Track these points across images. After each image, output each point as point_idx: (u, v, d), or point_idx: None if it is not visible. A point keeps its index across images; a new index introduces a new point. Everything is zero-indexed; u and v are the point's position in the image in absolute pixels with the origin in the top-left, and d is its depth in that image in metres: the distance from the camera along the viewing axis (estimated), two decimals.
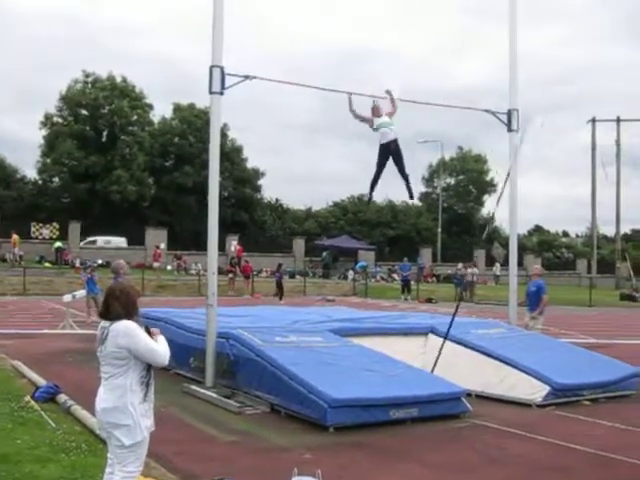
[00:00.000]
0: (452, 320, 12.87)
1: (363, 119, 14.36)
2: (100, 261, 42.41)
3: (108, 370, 5.51)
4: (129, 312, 5.55)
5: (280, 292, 37.39)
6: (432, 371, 11.92)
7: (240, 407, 10.79)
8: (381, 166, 14.16)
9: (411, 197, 15.14)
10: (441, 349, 12.38)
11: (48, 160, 58.43)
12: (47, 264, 47.79)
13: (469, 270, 43.81)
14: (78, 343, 17.24)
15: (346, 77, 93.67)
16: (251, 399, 11.12)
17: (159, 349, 5.49)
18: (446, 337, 12.66)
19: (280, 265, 40.82)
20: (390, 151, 14.11)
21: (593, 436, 9.65)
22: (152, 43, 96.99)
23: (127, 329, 5.43)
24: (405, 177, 14.45)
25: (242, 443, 9.05)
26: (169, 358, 5.63)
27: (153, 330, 5.66)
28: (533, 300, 16.45)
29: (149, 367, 5.57)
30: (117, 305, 5.50)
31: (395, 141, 14.15)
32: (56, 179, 60.36)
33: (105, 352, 5.48)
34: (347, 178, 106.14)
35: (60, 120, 59.45)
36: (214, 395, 11.50)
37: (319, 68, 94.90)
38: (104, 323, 5.57)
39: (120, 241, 52.50)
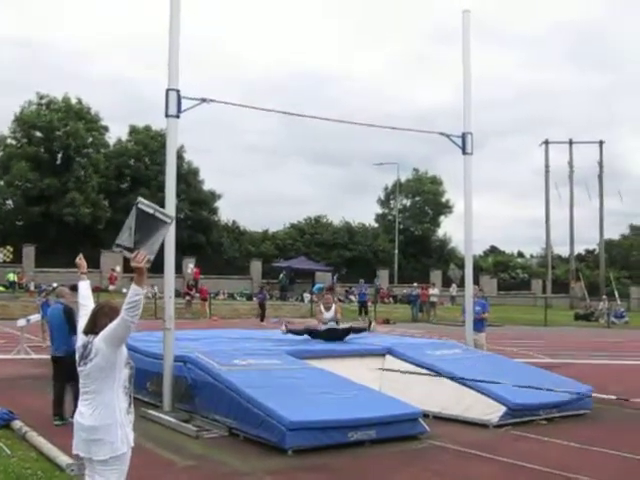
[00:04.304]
0: None
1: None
2: (55, 285, 41.79)
3: (93, 386, 5.48)
4: None
5: (262, 313, 37.89)
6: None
7: (198, 431, 10.72)
8: None
9: None
10: None
11: (1, 182, 57.59)
12: (1, 288, 47.12)
13: (430, 291, 44.01)
14: (33, 368, 17.02)
15: (304, 100, 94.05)
16: (209, 423, 11.06)
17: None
18: None
19: (262, 287, 41.22)
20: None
21: (550, 455, 9.75)
22: (108, 65, 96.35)
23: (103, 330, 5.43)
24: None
25: (200, 468, 9.00)
26: None
27: None
28: (479, 319, 16.90)
29: (130, 378, 5.59)
30: (106, 320, 5.49)
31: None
32: (9, 202, 59.61)
33: (90, 366, 5.45)
34: (304, 199, 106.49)
35: (14, 142, 58.69)
36: (172, 419, 11.41)
37: (278, 91, 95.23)
38: (85, 339, 5.56)
39: None
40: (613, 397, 12.40)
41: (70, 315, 11.84)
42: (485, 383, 12.23)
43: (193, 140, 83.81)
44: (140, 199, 5.86)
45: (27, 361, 18.99)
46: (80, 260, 6.57)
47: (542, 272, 69.31)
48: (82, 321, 5.81)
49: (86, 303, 6.08)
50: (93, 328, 5.56)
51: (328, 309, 15.58)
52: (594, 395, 12.62)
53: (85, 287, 6.28)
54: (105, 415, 5.42)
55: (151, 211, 5.79)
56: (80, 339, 5.66)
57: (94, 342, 5.45)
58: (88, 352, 5.47)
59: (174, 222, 12.56)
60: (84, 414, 5.51)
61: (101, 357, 5.40)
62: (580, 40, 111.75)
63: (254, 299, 46.92)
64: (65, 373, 11.59)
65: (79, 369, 5.58)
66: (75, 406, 11.58)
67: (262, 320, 36.82)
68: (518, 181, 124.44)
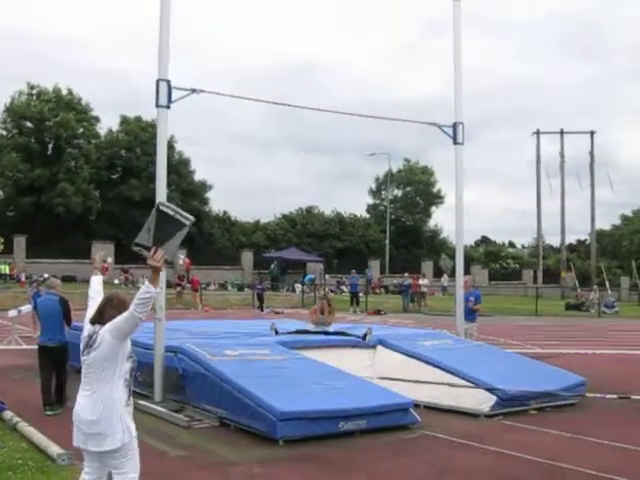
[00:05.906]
0: None
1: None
2: (47, 275, 41.67)
3: (94, 375, 5.55)
4: None
5: (261, 304, 38.58)
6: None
7: (189, 421, 10.73)
8: None
9: None
10: None
11: None
12: None
13: (420, 281, 44.07)
14: (24, 359, 16.96)
15: (296, 90, 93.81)
16: (200, 413, 11.06)
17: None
18: None
19: (262, 278, 41.50)
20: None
21: (541, 445, 9.77)
22: (99, 56, 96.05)
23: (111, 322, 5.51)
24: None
25: (191, 458, 9.00)
26: None
27: None
28: (472, 310, 17.11)
29: (131, 372, 5.73)
30: (114, 311, 5.58)
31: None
32: (0, 192, 59.50)
33: (93, 355, 5.53)
34: (295, 190, 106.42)
35: (4, 133, 58.59)
36: (163, 410, 11.41)
37: (271, 82, 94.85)
38: (92, 328, 5.63)
39: None
40: (614, 396, 12.33)
41: (66, 306, 11.90)
42: (476, 373, 12.26)
43: (184, 131, 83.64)
44: (161, 201, 6.00)
45: (18, 351, 18.94)
46: (96, 255, 6.73)
47: (533, 262, 69.45)
48: (89, 313, 5.89)
49: (96, 297, 6.15)
50: (100, 318, 5.66)
51: (322, 313, 15.83)
52: (594, 395, 12.51)
53: (97, 282, 6.39)
54: (105, 407, 5.48)
55: (171, 213, 5.92)
56: (86, 329, 5.74)
57: (100, 332, 5.53)
58: (93, 341, 5.56)
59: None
60: (84, 405, 5.57)
61: (105, 347, 5.48)
62: (571, 30, 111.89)
63: (246, 289, 47.00)
64: (55, 363, 11.64)
65: (82, 358, 5.66)
66: (59, 391, 11.61)
67: (260, 310, 37.59)
68: (509, 171, 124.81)
